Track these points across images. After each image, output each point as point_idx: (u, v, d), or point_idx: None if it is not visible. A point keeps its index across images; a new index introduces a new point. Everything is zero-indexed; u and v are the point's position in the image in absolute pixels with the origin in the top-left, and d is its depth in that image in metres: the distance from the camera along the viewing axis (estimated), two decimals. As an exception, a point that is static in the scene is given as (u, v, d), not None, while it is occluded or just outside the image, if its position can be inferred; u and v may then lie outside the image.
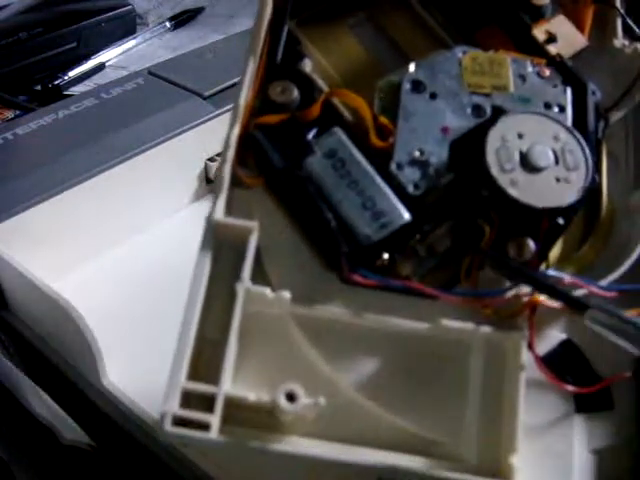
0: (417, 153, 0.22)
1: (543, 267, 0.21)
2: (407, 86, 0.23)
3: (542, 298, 0.20)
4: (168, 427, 0.18)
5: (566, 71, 0.24)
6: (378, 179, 0.21)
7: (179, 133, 0.38)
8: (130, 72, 0.45)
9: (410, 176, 0.22)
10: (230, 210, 0.21)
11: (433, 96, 0.23)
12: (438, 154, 0.22)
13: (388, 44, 0.25)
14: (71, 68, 0.54)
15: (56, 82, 0.52)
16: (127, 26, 0.60)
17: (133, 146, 0.36)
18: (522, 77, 0.23)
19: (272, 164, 0.21)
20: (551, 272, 0.21)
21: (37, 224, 0.33)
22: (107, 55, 0.57)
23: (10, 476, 0.29)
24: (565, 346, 0.21)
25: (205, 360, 0.20)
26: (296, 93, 0.22)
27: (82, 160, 0.35)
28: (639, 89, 0.24)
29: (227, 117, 0.37)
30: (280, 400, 0.18)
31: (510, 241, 0.21)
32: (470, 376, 0.21)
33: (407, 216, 0.21)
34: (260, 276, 0.21)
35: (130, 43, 0.59)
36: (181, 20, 0.63)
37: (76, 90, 0.53)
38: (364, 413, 0.20)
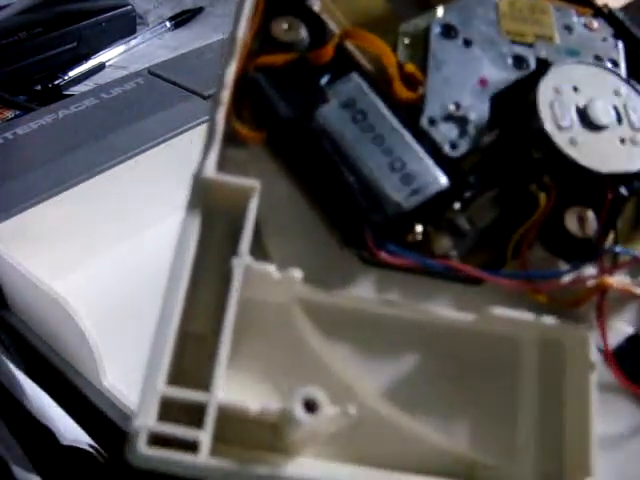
0: (452, 107, 0.18)
1: (609, 244, 0.17)
2: (437, 30, 0.19)
3: (614, 280, 0.16)
4: (143, 448, 0.13)
5: (617, 24, 0.20)
6: (408, 135, 0.17)
7: (179, 133, 0.37)
8: (130, 72, 0.44)
9: (446, 133, 0.18)
10: (222, 171, 0.17)
11: (467, 43, 0.19)
12: (478, 109, 0.18)
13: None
14: (71, 68, 0.53)
15: (56, 82, 0.52)
16: (127, 26, 0.59)
17: (133, 146, 0.36)
18: (568, 27, 0.20)
19: (277, 114, 0.17)
20: (619, 249, 0.17)
21: (37, 224, 0.32)
22: (107, 55, 0.56)
23: (10, 476, 0.28)
24: (634, 343, 0.18)
25: (191, 360, 0.15)
26: (304, 32, 0.18)
27: (82, 160, 0.35)
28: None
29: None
30: (296, 410, 0.14)
31: (568, 212, 0.17)
32: (525, 381, 0.16)
33: (444, 181, 0.17)
34: (259, 256, 0.17)
35: (130, 43, 0.58)
36: (181, 20, 0.62)
37: (76, 90, 0.52)
38: (393, 428, 0.16)
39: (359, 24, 0.20)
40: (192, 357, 0.15)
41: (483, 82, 0.18)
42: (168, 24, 0.61)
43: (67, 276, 0.33)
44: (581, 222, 0.17)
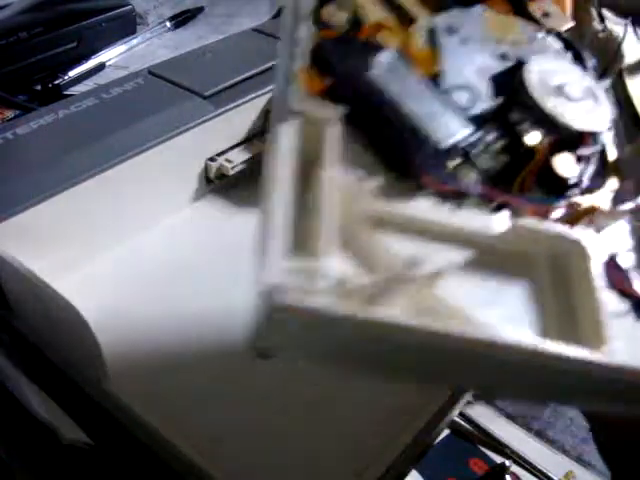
0: (462, 81, 0.23)
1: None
2: (442, 27, 0.24)
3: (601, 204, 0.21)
4: (281, 298, 0.15)
5: (563, 40, 0.27)
6: (437, 95, 0.22)
7: (179, 133, 0.38)
8: (130, 72, 0.44)
9: (461, 98, 0.22)
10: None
11: (463, 41, 0.24)
12: (481, 85, 0.23)
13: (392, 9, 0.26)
14: (71, 68, 0.54)
15: (56, 82, 0.52)
16: (127, 26, 0.59)
17: (133, 146, 0.36)
18: (530, 38, 0.26)
19: (335, 71, 0.21)
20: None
21: (37, 224, 0.33)
22: (107, 55, 0.56)
23: (10, 476, 0.28)
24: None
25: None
26: (346, 18, 0.22)
27: (82, 160, 0.35)
28: (614, 70, 0.28)
29: (228, 117, 0.39)
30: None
31: (555, 158, 0.22)
32: (541, 278, 0.21)
33: (469, 129, 0.21)
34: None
35: (130, 43, 0.58)
36: (181, 20, 0.63)
37: (76, 90, 0.52)
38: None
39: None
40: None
41: (480, 69, 0.24)
42: (168, 24, 0.62)
43: (67, 276, 0.32)
44: (566, 166, 0.22)
